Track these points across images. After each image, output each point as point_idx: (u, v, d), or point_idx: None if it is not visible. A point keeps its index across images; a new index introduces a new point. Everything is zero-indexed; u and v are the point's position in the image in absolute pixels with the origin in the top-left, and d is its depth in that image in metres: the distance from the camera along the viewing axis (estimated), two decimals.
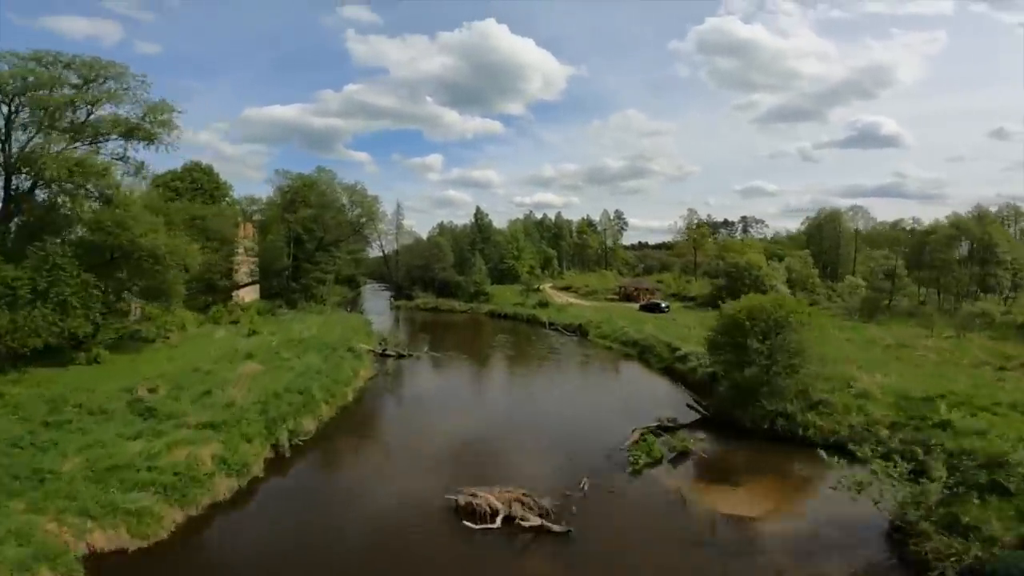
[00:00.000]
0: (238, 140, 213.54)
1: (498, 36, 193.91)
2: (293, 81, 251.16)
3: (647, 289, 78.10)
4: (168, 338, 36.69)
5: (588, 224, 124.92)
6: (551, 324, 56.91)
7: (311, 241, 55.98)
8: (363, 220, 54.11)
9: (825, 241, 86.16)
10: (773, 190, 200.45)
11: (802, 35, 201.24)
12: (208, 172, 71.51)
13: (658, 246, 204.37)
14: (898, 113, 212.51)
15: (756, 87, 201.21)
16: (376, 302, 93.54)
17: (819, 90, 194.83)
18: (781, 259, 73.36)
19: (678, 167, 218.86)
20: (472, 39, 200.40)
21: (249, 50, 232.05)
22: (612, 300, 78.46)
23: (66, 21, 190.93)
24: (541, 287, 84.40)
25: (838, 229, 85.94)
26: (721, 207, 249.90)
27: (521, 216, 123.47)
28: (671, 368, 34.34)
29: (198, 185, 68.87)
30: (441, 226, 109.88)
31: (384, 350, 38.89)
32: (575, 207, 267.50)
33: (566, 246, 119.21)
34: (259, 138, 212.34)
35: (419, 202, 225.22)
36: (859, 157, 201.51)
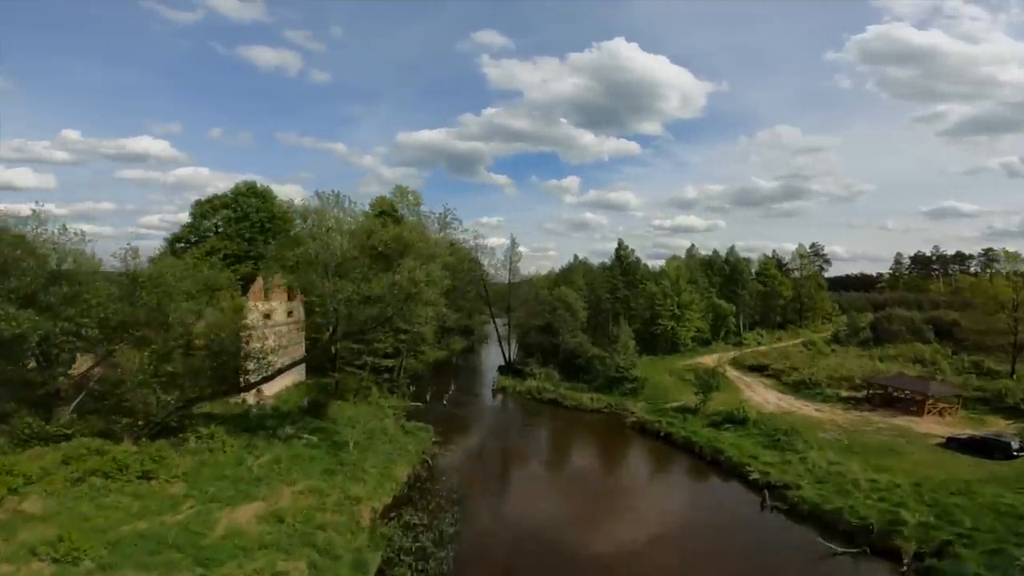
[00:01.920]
0: (394, 164, 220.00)
1: (629, 55, 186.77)
2: (438, 106, 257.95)
3: (928, 396, 43.08)
4: None
5: (777, 265, 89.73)
6: (771, 490, 27.88)
7: (355, 309, 33.18)
8: (408, 292, 28.41)
9: None
10: (971, 211, 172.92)
11: (995, 40, 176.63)
12: (264, 196, 53.85)
13: (838, 281, 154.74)
14: None
15: (942, 97, 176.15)
16: (492, 363, 72.40)
17: None
18: None
19: (845, 186, 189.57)
20: (602, 59, 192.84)
21: (401, 77, 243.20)
22: (856, 406, 45.72)
23: (257, 51, 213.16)
24: (724, 371, 53.97)
25: None
26: (904, 232, 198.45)
27: (681, 254, 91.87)
28: None
29: (244, 215, 52.49)
30: (572, 264, 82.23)
31: None
32: (721, 231, 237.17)
33: (746, 296, 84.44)
34: (411, 162, 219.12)
35: (557, 225, 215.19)
36: None
